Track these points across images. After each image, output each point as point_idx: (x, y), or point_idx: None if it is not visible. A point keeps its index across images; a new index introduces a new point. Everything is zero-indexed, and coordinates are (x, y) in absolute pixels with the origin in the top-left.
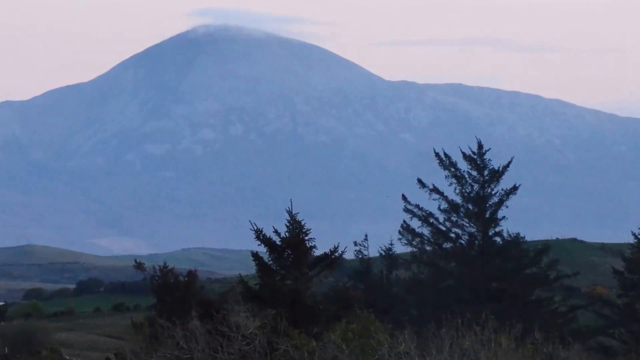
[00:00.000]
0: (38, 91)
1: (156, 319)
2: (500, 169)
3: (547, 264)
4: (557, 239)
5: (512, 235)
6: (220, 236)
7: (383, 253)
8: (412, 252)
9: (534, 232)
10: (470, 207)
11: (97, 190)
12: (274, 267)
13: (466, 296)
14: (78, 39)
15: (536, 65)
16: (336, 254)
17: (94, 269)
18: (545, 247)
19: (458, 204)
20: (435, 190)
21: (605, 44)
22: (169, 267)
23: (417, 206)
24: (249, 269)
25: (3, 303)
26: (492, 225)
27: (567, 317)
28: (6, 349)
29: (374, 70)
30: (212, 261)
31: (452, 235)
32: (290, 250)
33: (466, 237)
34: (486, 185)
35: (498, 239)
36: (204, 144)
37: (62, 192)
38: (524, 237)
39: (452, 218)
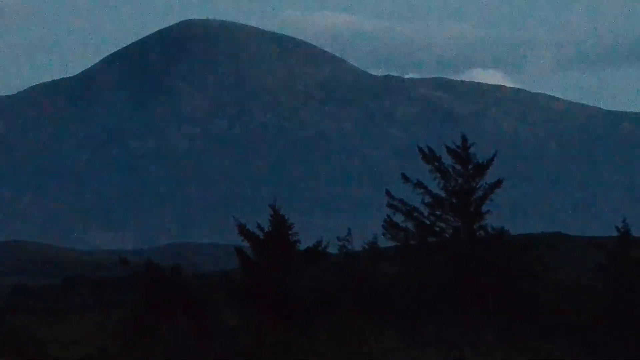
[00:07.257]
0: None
1: (141, 316)
2: (485, 162)
3: (533, 258)
4: (542, 232)
5: (496, 229)
6: (206, 231)
7: (367, 247)
8: (396, 247)
9: (519, 226)
10: (455, 201)
11: (82, 186)
12: (258, 262)
13: (451, 291)
14: (62, 33)
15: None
16: (320, 249)
17: (80, 265)
18: (530, 241)
19: (442, 198)
20: (419, 184)
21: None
22: (154, 263)
23: (400, 201)
24: (236, 264)
25: None
26: (477, 219)
27: (552, 311)
28: None
29: (358, 64)
30: (198, 256)
31: (437, 229)
32: (273, 245)
33: (450, 231)
34: (470, 179)
35: (482, 232)
36: (189, 139)
37: (46, 187)
38: (509, 231)
39: (437, 212)
